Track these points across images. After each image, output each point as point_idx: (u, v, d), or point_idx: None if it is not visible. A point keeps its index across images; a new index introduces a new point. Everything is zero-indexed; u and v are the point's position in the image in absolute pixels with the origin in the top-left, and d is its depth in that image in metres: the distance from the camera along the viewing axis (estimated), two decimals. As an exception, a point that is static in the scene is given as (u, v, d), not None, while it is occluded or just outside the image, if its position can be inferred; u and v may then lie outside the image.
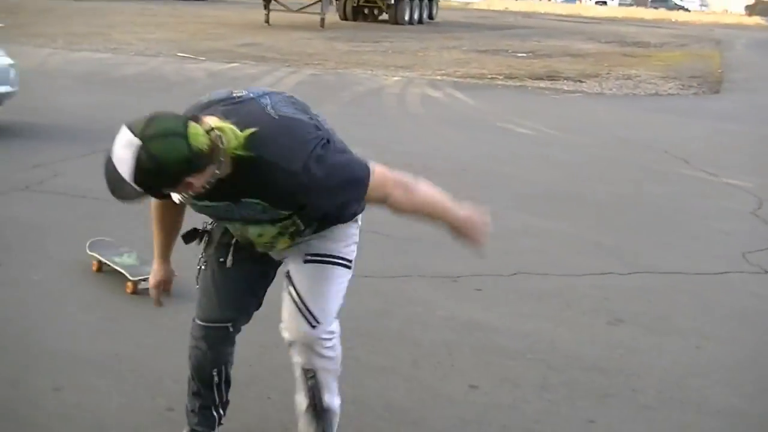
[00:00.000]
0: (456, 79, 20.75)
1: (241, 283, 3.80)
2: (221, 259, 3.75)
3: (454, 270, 7.15)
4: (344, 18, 42.03)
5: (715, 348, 6.00)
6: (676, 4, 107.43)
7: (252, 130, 3.09)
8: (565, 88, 20.57)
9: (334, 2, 41.19)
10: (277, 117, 3.23)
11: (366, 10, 43.18)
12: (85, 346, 5.40)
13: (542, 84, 20.93)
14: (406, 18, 42.21)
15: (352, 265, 3.79)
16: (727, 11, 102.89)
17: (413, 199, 3.57)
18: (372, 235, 7.82)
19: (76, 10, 38.81)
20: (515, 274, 7.22)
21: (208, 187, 3.11)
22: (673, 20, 70.39)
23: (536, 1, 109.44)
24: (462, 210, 3.76)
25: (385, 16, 42.88)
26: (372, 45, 28.61)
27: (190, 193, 3.17)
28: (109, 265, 6.55)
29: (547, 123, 15.24)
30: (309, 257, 3.65)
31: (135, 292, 6.25)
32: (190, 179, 3.00)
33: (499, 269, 7.24)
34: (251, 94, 3.33)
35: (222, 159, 3.05)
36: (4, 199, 8.59)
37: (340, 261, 3.72)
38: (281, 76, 19.33)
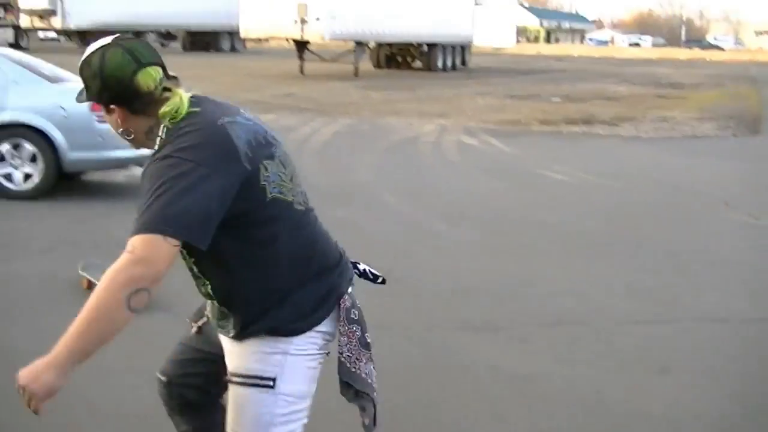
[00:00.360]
0: (491, 126, 20.76)
1: (190, 350, 3.49)
2: (191, 321, 3.48)
3: (495, 320, 7.11)
4: (378, 66, 42.32)
5: (762, 398, 5.91)
6: (710, 43, 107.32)
7: (192, 110, 2.96)
8: (601, 132, 20.52)
9: (368, 51, 41.45)
10: (218, 124, 2.92)
11: (399, 58, 43.47)
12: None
13: (577, 128, 20.90)
14: (440, 65, 42.46)
15: (277, 382, 3.03)
16: (762, 49, 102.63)
17: (106, 297, 2.63)
18: (412, 287, 7.82)
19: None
20: (557, 322, 7.16)
21: (126, 136, 3.06)
22: (708, 60, 70.30)
23: (569, 44, 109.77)
24: (61, 372, 2.65)
25: (418, 64, 43.16)
26: (406, 93, 28.74)
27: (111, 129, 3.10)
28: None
29: (584, 168, 15.20)
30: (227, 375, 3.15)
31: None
32: (114, 105, 2.99)
33: (540, 317, 7.19)
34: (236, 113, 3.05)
35: (153, 120, 2.98)
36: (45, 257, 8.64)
37: (251, 381, 3.06)
38: (317, 126, 19.44)
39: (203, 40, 59.67)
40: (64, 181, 11.64)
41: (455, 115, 22.73)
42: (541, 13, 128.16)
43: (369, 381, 3.20)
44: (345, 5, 33.76)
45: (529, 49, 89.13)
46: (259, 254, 2.99)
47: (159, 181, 2.73)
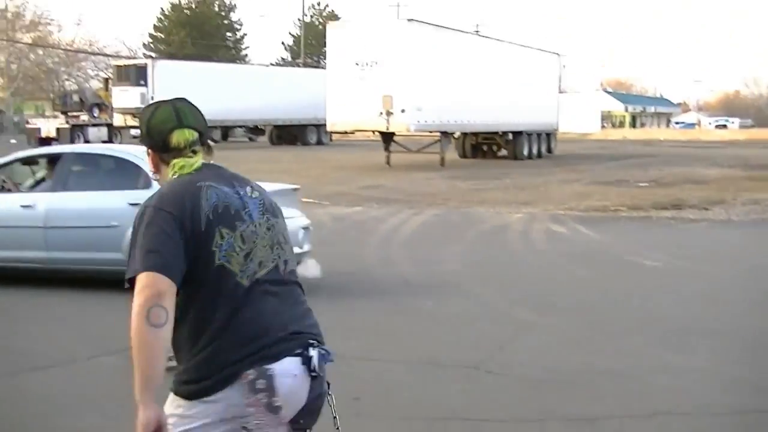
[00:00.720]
0: (579, 213, 20.67)
1: None
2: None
3: (590, 412, 7.02)
4: (464, 156, 42.51)
5: None
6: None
7: (193, 170, 3.53)
8: (691, 216, 20.29)
9: (453, 141, 41.70)
10: (196, 184, 3.44)
11: (485, 147, 43.64)
12: None
13: (667, 213, 20.70)
14: (525, 153, 42.54)
15: None
16: None
17: (134, 329, 3.17)
18: (505, 379, 7.76)
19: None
20: (654, 414, 7.04)
21: (155, 178, 3.74)
22: (798, 139, 69.27)
23: (654, 128, 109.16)
24: (143, 406, 3.16)
25: (504, 152, 43.26)
26: (493, 182, 28.80)
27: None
28: None
29: (675, 254, 15.02)
30: None
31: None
32: (150, 150, 3.66)
33: (637, 410, 7.08)
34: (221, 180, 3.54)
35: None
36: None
37: None
38: (405, 217, 19.55)
39: (290, 134, 60.63)
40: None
41: (542, 202, 22.68)
42: (625, 98, 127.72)
43: None
44: (430, 97, 34.07)
45: (615, 134, 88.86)
46: (193, 310, 3.34)
47: (134, 230, 3.37)
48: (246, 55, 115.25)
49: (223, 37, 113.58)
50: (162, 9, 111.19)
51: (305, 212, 12.66)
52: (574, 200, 23.09)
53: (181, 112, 3.59)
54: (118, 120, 54.29)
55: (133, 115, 52.80)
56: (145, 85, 51.76)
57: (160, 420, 3.18)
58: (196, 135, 3.59)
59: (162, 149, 3.57)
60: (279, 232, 3.59)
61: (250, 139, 68.05)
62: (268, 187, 11.79)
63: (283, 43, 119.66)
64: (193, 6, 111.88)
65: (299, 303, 3.63)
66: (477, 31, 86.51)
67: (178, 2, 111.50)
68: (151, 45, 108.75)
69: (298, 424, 3.42)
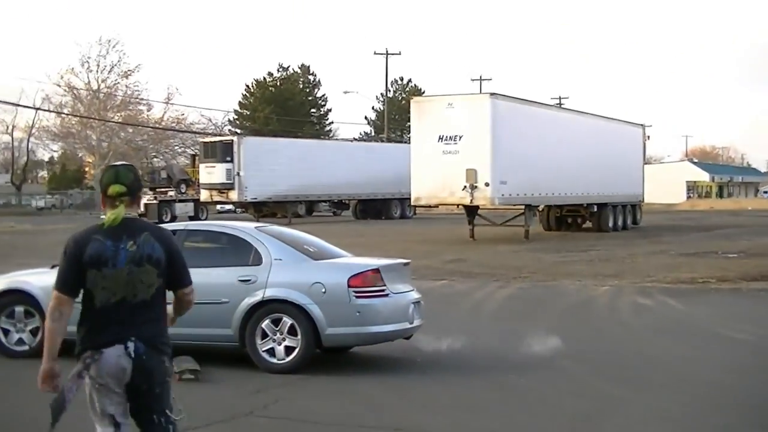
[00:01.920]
0: (666, 285, 20.43)
1: None
2: None
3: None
4: (548, 228, 42.34)
5: None
6: None
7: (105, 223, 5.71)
8: (784, 288, 19.93)
9: (538, 213, 41.60)
10: (92, 236, 5.66)
11: (569, 219, 43.45)
12: None
13: (758, 285, 20.35)
14: (610, 225, 42.23)
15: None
16: None
17: (47, 322, 5.72)
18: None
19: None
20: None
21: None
22: None
23: (742, 198, 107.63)
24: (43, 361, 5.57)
25: (588, 224, 42.99)
26: (578, 254, 28.62)
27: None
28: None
29: (767, 326, 14.76)
30: None
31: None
32: (101, 195, 5.83)
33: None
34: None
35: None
36: (228, 427, 8.86)
37: None
38: (490, 291, 19.51)
39: (374, 208, 61.01)
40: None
41: (629, 275, 22.47)
42: (711, 168, 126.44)
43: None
44: (514, 170, 34.11)
45: (701, 204, 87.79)
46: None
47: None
48: (330, 130, 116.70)
49: (308, 113, 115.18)
50: (247, 86, 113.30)
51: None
52: (661, 272, 22.82)
53: (119, 172, 5.75)
54: (204, 195, 55.24)
55: (220, 191, 53.73)
56: (232, 161, 52.59)
57: (53, 370, 5.53)
58: (124, 189, 5.67)
59: (105, 195, 5.74)
60: (138, 278, 5.58)
61: (335, 213, 68.61)
62: (380, 261, 12.14)
63: (366, 117, 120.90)
64: (278, 83, 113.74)
65: (147, 323, 5.65)
66: (560, 104, 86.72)
67: (263, 79, 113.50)
68: (237, 121, 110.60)
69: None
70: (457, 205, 37.35)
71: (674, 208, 77.38)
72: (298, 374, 11.03)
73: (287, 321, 11.25)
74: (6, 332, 12.34)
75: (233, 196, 53.70)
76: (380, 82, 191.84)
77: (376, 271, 11.54)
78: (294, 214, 57.40)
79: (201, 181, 54.72)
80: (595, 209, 42.08)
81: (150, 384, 5.59)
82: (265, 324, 11.31)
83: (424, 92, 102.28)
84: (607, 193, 41.78)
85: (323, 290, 11.23)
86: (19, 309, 12.28)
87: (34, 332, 12.15)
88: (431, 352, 12.64)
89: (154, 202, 55.94)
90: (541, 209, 41.85)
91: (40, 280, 12.17)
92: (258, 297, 11.32)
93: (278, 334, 11.28)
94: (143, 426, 5.68)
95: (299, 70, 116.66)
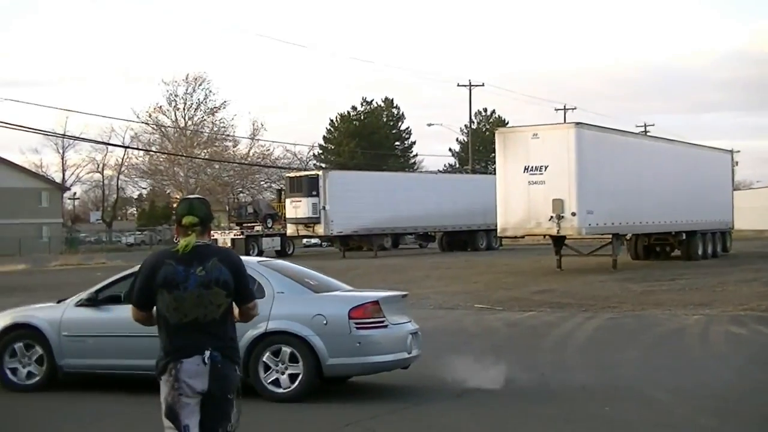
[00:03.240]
0: (761, 314, 20.04)
1: None
2: None
3: None
4: (636, 258, 41.84)
5: None
6: None
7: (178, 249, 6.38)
8: None
9: (625, 242, 41.16)
10: (165, 261, 6.34)
11: (658, 248, 42.91)
12: None
13: None
14: (700, 253, 41.60)
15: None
16: None
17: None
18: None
19: (376, 267, 40.62)
20: None
21: None
22: None
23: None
24: None
25: (677, 253, 42.42)
26: (667, 283, 28.24)
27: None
28: None
29: None
30: None
31: None
32: (176, 225, 6.52)
33: None
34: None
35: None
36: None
37: None
38: (579, 321, 19.34)
39: (460, 239, 60.94)
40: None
41: (720, 304, 22.09)
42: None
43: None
44: (601, 199, 33.84)
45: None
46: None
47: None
48: (414, 162, 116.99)
49: (392, 146, 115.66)
50: (331, 120, 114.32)
51: (413, 316, 12.98)
52: (754, 300, 22.40)
53: (193, 205, 6.45)
54: (290, 230, 55.69)
55: (306, 225, 54.13)
56: (317, 195, 53.02)
57: None
58: (197, 220, 6.35)
59: (179, 225, 6.39)
60: (208, 299, 6.22)
61: (421, 245, 68.64)
62: (380, 294, 12.62)
63: (450, 149, 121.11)
64: (362, 117, 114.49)
65: (219, 337, 6.31)
66: (645, 131, 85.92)
67: (347, 113, 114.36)
68: (322, 155, 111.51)
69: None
70: (544, 236, 37.13)
71: (765, 235, 75.88)
72: (388, 407, 11.06)
73: (287, 350, 11.65)
74: (14, 371, 12.66)
75: (319, 230, 54.08)
76: (464, 113, 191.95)
77: (376, 303, 11.96)
78: (380, 247, 57.59)
79: (287, 216, 55.21)
80: (684, 237, 41.51)
81: (224, 390, 6.26)
82: (267, 356, 11.68)
83: (507, 123, 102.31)
84: (695, 220, 41.21)
85: (324, 322, 11.64)
86: (19, 345, 12.56)
87: (39, 361, 12.51)
88: (522, 384, 12.59)
89: (241, 237, 56.56)
90: (628, 238, 41.39)
91: (46, 314, 12.84)
92: (261, 329, 11.61)
93: (280, 364, 11.65)
94: None
95: (383, 104, 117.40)
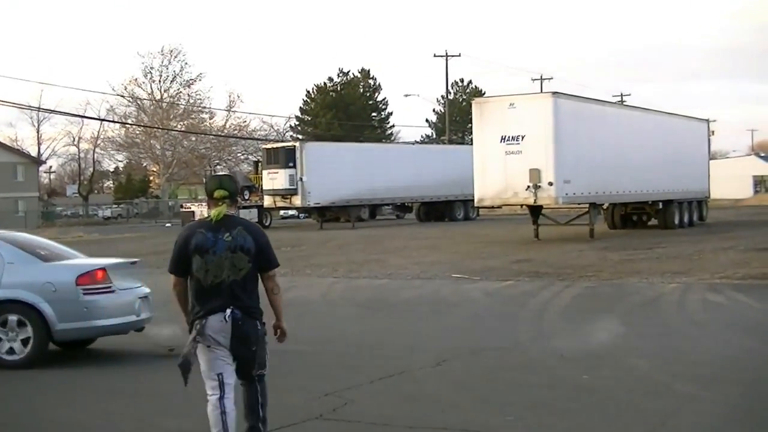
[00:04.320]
0: (737, 281, 20.12)
1: None
2: None
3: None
4: (613, 227, 41.96)
5: None
6: None
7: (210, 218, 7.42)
8: None
9: (602, 212, 41.24)
10: (197, 230, 7.40)
11: (635, 217, 43.03)
12: None
13: (831, 280, 19.96)
14: (676, 221, 41.75)
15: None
16: None
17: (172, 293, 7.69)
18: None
19: (354, 238, 40.57)
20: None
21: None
22: None
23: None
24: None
25: (654, 222, 42.55)
26: (644, 252, 28.32)
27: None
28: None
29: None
30: None
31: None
32: (207, 198, 7.51)
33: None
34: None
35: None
36: (299, 429, 8.87)
37: None
38: (557, 290, 19.35)
39: (437, 210, 60.95)
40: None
41: (697, 272, 22.16)
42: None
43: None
44: (578, 169, 33.81)
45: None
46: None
47: None
48: (391, 133, 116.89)
49: (369, 117, 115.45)
50: (308, 91, 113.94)
51: (146, 282, 13.66)
52: (730, 268, 22.48)
53: (223, 180, 7.45)
54: (268, 201, 55.59)
55: (283, 197, 54.01)
56: (294, 166, 52.89)
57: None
58: (226, 193, 7.36)
59: (210, 198, 7.40)
60: (232, 262, 7.22)
61: (398, 216, 68.62)
62: (107, 261, 13.52)
63: (427, 120, 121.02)
64: (339, 88, 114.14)
65: (241, 297, 7.28)
66: (622, 101, 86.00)
67: (323, 84, 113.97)
68: (299, 127, 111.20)
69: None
70: (521, 206, 37.14)
71: (741, 204, 76.33)
72: (365, 378, 11.03)
73: (14, 318, 12.25)
74: None
75: (296, 201, 54.01)
76: (440, 84, 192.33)
77: (103, 269, 12.78)
78: (357, 218, 57.52)
79: (264, 188, 55.08)
80: (661, 206, 41.63)
81: (247, 343, 7.28)
82: None
83: (484, 93, 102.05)
84: (672, 189, 41.34)
85: (53, 289, 12.33)
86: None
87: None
88: (493, 353, 12.59)
89: (218, 209, 56.32)
90: (605, 207, 41.48)
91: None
92: None
93: (10, 333, 12.24)
94: (244, 378, 7.42)
95: (359, 75, 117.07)
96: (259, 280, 7.42)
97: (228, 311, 7.16)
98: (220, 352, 7.20)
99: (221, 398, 7.18)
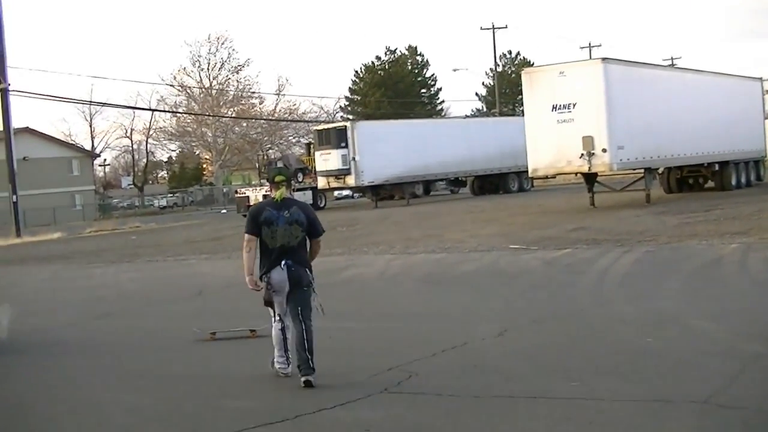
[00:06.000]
0: (799, 239, 19.85)
1: None
2: None
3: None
4: (669, 191, 41.62)
5: None
6: None
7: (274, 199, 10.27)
8: None
9: (658, 176, 40.90)
10: (266, 207, 10.16)
11: (691, 180, 42.62)
12: None
13: None
14: (733, 183, 41.30)
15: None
16: None
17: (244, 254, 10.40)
18: (735, 410, 7.48)
19: (409, 215, 40.61)
20: None
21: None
22: None
23: None
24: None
25: (710, 184, 42.13)
26: (702, 214, 28.02)
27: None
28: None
29: None
30: None
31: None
32: (268, 183, 10.62)
33: None
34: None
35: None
36: (365, 403, 8.93)
37: None
38: (616, 256, 19.23)
39: (492, 183, 60.85)
40: None
41: (758, 231, 21.89)
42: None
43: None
44: (631, 134, 33.52)
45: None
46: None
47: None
48: (442, 109, 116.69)
49: (418, 94, 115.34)
50: (356, 71, 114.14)
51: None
52: (791, 227, 22.19)
53: (281, 169, 10.29)
54: (321, 183, 55.73)
55: (336, 177, 54.14)
56: (346, 146, 52.96)
57: (252, 278, 10.08)
58: (284, 178, 10.06)
59: (271, 183, 10.18)
60: (290, 232, 9.86)
61: (452, 191, 68.55)
62: None
63: (477, 94, 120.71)
64: (387, 66, 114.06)
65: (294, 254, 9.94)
66: (673, 64, 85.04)
67: (371, 63, 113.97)
68: (348, 107, 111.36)
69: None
70: (576, 174, 36.95)
71: (800, 162, 75.15)
72: (428, 351, 11.07)
73: None
74: None
75: (350, 181, 54.08)
76: (489, 57, 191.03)
77: None
78: (412, 194, 57.56)
79: (317, 169, 55.19)
80: (717, 168, 41.18)
81: (299, 284, 9.88)
82: None
83: (533, 64, 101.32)
84: (727, 150, 40.86)
85: None
86: None
87: None
88: (555, 321, 12.57)
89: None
90: (661, 172, 41.15)
91: None
92: None
93: None
94: (293, 316, 9.83)
95: (407, 52, 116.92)
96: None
97: (283, 262, 9.84)
98: (279, 297, 9.95)
99: (282, 328, 10.05)
